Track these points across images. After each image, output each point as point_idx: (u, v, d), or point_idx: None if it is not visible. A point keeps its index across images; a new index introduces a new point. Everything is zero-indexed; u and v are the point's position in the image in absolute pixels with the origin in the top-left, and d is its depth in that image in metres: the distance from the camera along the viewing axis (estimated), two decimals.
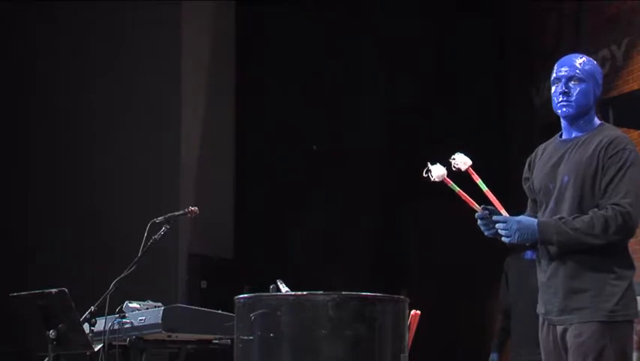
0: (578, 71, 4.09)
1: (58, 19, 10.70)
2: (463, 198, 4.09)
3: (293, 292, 4.17)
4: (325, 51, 11.03)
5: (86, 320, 5.14)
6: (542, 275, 4.05)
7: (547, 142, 4.30)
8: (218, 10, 10.76)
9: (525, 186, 4.32)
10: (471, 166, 4.14)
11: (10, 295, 5.26)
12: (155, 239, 5.30)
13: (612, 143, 3.97)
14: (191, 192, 10.15)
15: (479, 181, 4.11)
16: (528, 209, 4.33)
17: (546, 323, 4.07)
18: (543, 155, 4.23)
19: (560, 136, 4.20)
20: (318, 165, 11.04)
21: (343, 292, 3.81)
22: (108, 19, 10.57)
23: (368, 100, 11.47)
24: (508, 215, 4.09)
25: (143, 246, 5.27)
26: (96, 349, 5.24)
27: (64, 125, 10.56)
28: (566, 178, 4.00)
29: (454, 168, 4.14)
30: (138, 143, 10.34)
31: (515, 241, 4.00)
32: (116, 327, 5.28)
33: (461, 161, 4.11)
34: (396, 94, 11.59)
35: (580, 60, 4.14)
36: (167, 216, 5.44)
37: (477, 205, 4.08)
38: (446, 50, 11.61)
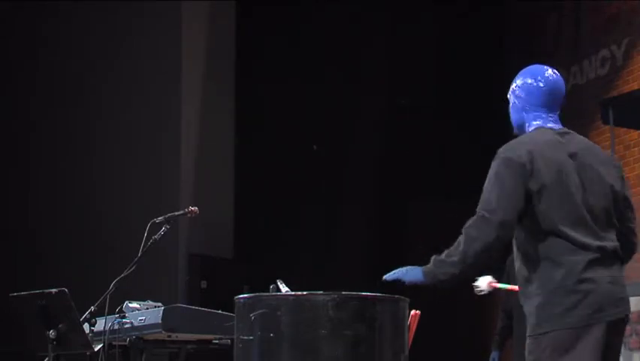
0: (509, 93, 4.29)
1: (58, 19, 10.70)
2: (511, 289, 4.26)
3: (293, 292, 4.17)
4: (325, 51, 11.03)
5: (86, 320, 5.14)
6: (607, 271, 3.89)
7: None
8: (218, 10, 10.76)
9: None
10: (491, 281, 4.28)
11: (10, 295, 5.26)
12: (155, 239, 5.30)
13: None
14: (191, 192, 10.16)
15: (501, 285, 4.29)
16: None
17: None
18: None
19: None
20: (318, 165, 11.04)
21: (343, 292, 3.81)
22: (108, 19, 10.57)
23: (368, 100, 11.47)
24: None
25: (143, 246, 5.27)
26: (96, 349, 5.24)
27: (64, 125, 10.56)
28: None
29: (477, 293, 4.28)
30: (138, 143, 10.34)
31: (401, 277, 4.02)
32: (116, 327, 5.28)
33: (483, 283, 4.26)
34: (396, 94, 11.59)
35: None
36: (167, 216, 5.43)
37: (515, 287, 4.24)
38: (446, 50, 11.61)
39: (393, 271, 4.04)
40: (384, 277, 4.05)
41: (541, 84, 4.12)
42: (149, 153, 10.30)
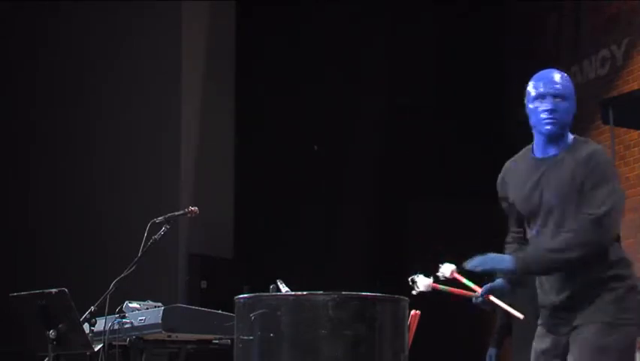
0: (562, 88, 4.10)
1: (58, 19, 10.70)
2: (457, 293, 4.12)
3: (293, 292, 4.17)
4: (325, 51, 11.03)
5: (86, 320, 5.14)
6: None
7: (514, 159, 4.28)
8: (218, 10, 10.75)
9: (504, 206, 4.29)
10: (454, 270, 4.16)
11: (10, 295, 5.26)
12: (155, 239, 5.30)
13: (590, 157, 3.97)
14: (191, 192, 10.16)
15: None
16: (510, 229, 4.32)
17: None
18: (516, 173, 4.21)
19: (532, 153, 4.18)
20: (318, 165, 11.04)
21: (343, 292, 3.81)
22: (108, 19, 10.57)
23: (368, 100, 11.47)
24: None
25: (143, 246, 5.27)
26: (96, 349, 5.25)
27: (64, 125, 10.56)
28: (549, 197, 4.01)
29: (442, 278, 4.17)
30: (138, 143, 10.34)
31: (491, 267, 4.01)
32: (116, 327, 5.28)
33: (446, 270, 4.13)
34: (396, 94, 11.59)
35: (561, 77, 4.15)
36: (167, 216, 5.44)
37: (471, 292, 4.11)
38: (446, 50, 11.61)
39: (477, 261, 4.02)
40: (468, 266, 4.02)
41: (575, 108, 4.17)
42: (149, 153, 10.30)
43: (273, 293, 4.46)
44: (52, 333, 4.99)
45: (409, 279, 4.15)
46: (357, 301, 3.84)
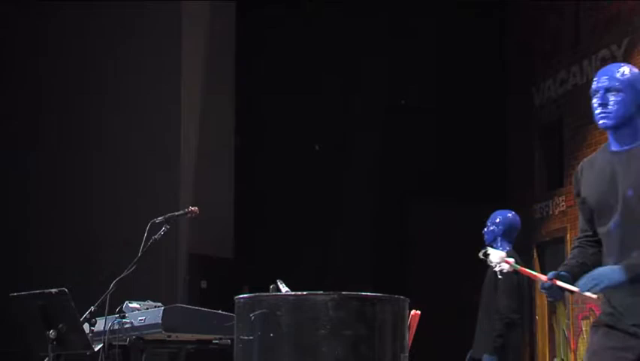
0: (615, 81, 4.01)
1: (58, 19, 10.70)
2: (526, 273, 4.05)
3: (293, 292, 4.17)
4: (325, 51, 11.03)
5: (86, 320, 5.14)
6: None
7: (591, 156, 4.18)
8: (219, 10, 10.76)
9: (580, 206, 4.15)
10: (504, 257, 4.06)
11: (10, 295, 5.26)
12: (155, 239, 5.30)
13: None
14: (191, 192, 10.16)
15: (514, 265, 4.05)
16: (580, 229, 4.21)
17: None
18: (592, 169, 4.09)
19: (608, 148, 4.07)
20: (317, 164, 11.04)
21: (343, 292, 3.81)
22: (108, 19, 10.57)
23: (368, 100, 11.48)
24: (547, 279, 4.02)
25: (143, 246, 5.28)
26: (96, 349, 5.24)
27: (64, 125, 10.55)
28: (630, 192, 3.88)
29: (498, 270, 4.06)
30: (138, 143, 10.34)
31: (608, 284, 3.83)
32: (116, 327, 5.28)
33: (497, 256, 4.05)
34: (396, 94, 11.59)
35: (619, 70, 4.05)
36: (167, 216, 5.44)
37: (542, 276, 4.03)
38: (446, 50, 11.62)
39: (590, 283, 3.85)
40: (583, 291, 3.89)
41: None
42: (149, 152, 10.30)
43: (273, 293, 4.46)
44: (52, 333, 4.99)
45: (481, 253, 4.07)
46: (357, 301, 3.84)
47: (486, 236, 7.00)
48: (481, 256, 4.03)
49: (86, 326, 5.13)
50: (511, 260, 4.03)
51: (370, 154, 11.48)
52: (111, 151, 10.40)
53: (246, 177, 10.80)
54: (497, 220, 6.99)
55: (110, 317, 5.31)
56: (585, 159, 4.19)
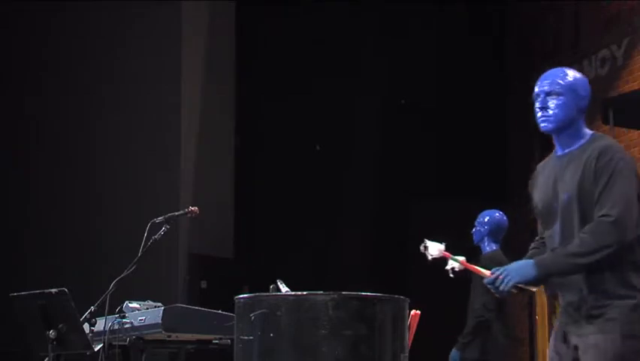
0: (556, 85, 4.04)
1: (58, 19, 10.70)
2: (469, 267, 4.05)
3: (293, 292, 4.17)
4: (325, 51, 11.03)
5: (86, 320, 5.14)
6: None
7: (545, 160, 4.22)
8: (219, 10, 10.76)
9: (534, 211, 4.21)
10: (443, 250, 4.06)
11: (10, 295, 5.26)
12: (155, 239, 5.30)
13: (601, 153, 3.88)
14: (191, 192, 10.16)
15: (452, 258, 4.05)
16: (539, 233, 4.24)
17: None
18: (543, 174, 4.15)
19: (556, 152, 4.12)
20: (318, 164, 11.04)
21: (343, 292, 3.81)
22: (108, 19, 10.57)
23: (368, 100, 11.47)
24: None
25: (143, 246, 5.28)
26: (96, 349, 5.25)
27: (64, 125, 10.56)
28: (565, 196, 3.93)
29: (430, 258, 4.05)
30: (138, 143, 10.34)
31: (519, 280, 3.89)
32: (116, 327, 5.29)
33: (435, 249, 4.05)
34: (396, 94, 11.59)
35: (561, 74, 4.08)
36: (167, 216, 5.44)
37: (484, 271, 4.04)
38: (446, 50, 11.61)
39: (503, 278, 3.92)
40: (494, 288, 3.95)
41: (583, 102, 4.08)
42: (149, 152, 10.30)
43: (273, 293, 4.46)
44: (52, 333, 5.00)
45: (421, 246, 4.08)
46: (357, 301, 3.84)
47: (474, 236, 7.01)
48: (422, 250, 4.05)
49: (86, 326, 5.13)
50: (451, 256, 4.05)
51: (370, 154, 11.48)
52: (111, 151, 10.40)
53: (246, 177, 10.80)
54: (484, 220, 6.99)
55: (110, 317, 5.31)
56: (540, 164, 4.23)
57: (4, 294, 5.38)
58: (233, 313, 4.02)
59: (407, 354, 4.00)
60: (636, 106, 9.01)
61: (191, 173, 10.29)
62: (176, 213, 5.57)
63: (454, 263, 4.03)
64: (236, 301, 3.94)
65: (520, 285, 3.93)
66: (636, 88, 9.36)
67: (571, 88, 4.04)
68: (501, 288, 3.93)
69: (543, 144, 11.42)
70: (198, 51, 10.56)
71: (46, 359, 5.08)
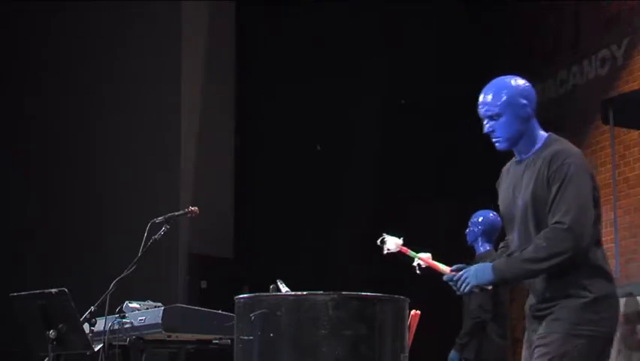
0: (493, 107, 4.07)
1: (58, 19, 10.70)
2: (427, 263, 4.07)
3: (293, 292, 4.17)
4: (325, 51, 11.03)
5: (86, 320, 5.14)
6: None
7: (508, 163, 4.23)
8: (218, 10, 10.76)
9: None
10: (401, 244, 4.10)
11: (10, 295, 5.26)
12: (155, 239, 5.30)
13: (553, 159, 3.89)
14: (191, 192, 10.16)
15: (411, 253, 4.07)
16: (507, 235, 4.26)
17: None
18: (506, 179, 4.17)
19: (515, 159, 4.15)
20: (318, 165, 11.04)
21: (343, 292, 3.81)
22: (108, 19, 10.58)
23: (368, 100, 11.47)
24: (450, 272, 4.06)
25: (143, 246, 5.27)
26: (96, 349, 5.24)
27: (65, 125, 10.56)
28: (521, 203, 3.95)
29: (386, 252, 4.08)
30: (138, 143, 10.34)
31: (476, 283, 3.93)
32: (116, 327, 5.28)
33: (392, 243, 4.07)
34: (396, 94, 11.58)
35: (493, 94, 4.12)
36: (167, 216, 5.44)
37: (443, 268, 4.07)
38: (446, 49, 11.61)
39: (462, 281, 3.97)
40: (458, 293, 3.99)
41: (525, 110, 4.07)
42: (149, 152, 10.30)
43: (273, 293, 4.46)
44: (52, 333, 4.99)
45: (379, 240, 4.10)
46: (357, 301, 3.84)
47: (468, 236, 7.01)
48: (378, 243, 4.07)
49: (86, 326, 5.13)
50: (409, 251, 4.07)
51: (370, 154, 11.48)
52: (111, 151, 10.40)
53: (246, 177, 10.80)
54: (478, 220, 6.99)
55: (110, 317, 5.31)
56: (504, 167, 4.24)
57: (4, 294, 5.37)
58: (233, 313, 4.02)
59: (407, 354, 4.00)
60: (636, 106, 9.00)
61: (191, 173, 10.29)
62: (176, 213, 5.57)
63: (420, 261, 4.08)
64: (236, 301, 3.94)
65: (479, 286, 3.96)
66: (636, 88, 9.35)
67: (508, 104, 4.06)
68: (461, 289, 3.99)
69: None
70: (198, 51, 10.56)
71: (46, 359, 5.08)
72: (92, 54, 10.57)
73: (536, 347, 3.87)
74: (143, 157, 10.29)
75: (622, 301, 7.27)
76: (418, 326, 4.59)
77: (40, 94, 10.66)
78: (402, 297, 4.03)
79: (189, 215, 5.58)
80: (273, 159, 10.92)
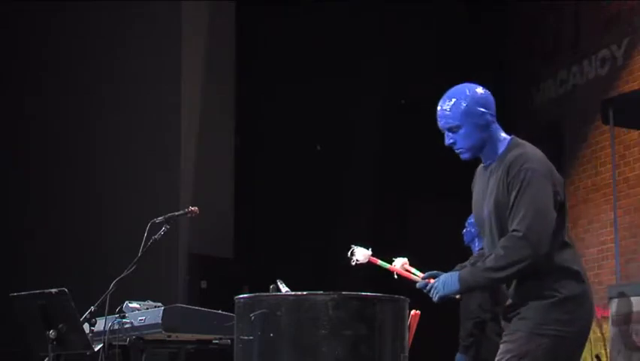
0: (451, 120, 4.09)
1: (58, 19, 10.70)
2: (398, 273, 4.08)
3: (293, 292, 4.17)
4: (325, 51, 11.03)
5: (86, 320, 5.14)
6: None
7: (480, 166, 4.23)
8: (218, 10, 10.76)
9: None
10: (370, 255, 4.11)
11: (10, 295, 5.26)
12: (155, 239, 5.30)
13: (512, 165, 3.88)
14: (191, 192, 10.16)
15: (381, 263, 4.08)
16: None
17: None
18: (478, 183, 4.18)
19: (483, 164, 4.15)
20: (318, 164, 11.04)
21: (343, 292, 3.82)
22: (108, 19, 10.58)
23: (368, 99, 11.47)
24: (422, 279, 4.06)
25: (143, 246, 5.27)
26: (96, 349, 5.24)
27: (64, 125, 10.56)
28: (486, 211, 3.96)
29: (354, 263, 4.08)
30: (138, 143, 10.35)
31: (444, 293, 3.92)
32: (116, 327, 5.28)
33: (361, 255, 4.08)
34: (396, 93, 11.59)
35: (448, 106, 4.11)
36: (167, 216, 5.44)
37: (415, 276, 4.07)
38: (446, 50, 11.61)
39: (433, 291, 3.95)
40: (435, 300, 3.98)
41: (484, 117, 4.05)
42: (149, 152, 10.31)
43: (273, 293, 4.46)
44: (52, 333, 4.99)
45: (349, 251, 4.08)
46: (357, 301, 3.85)
47: (465, 237, 7.00)
48: (348, 255, 4.08)
49: (86, 326, 5.13)
50: (379, 261, 4.08)
51: (370, 154, 11.48)
52: (111, 151, 10.40)
53: (246, 177, 10.79)
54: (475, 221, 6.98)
55: (110, 316, 5.31)
56: (478, 168, 4.23)
57: (4, 294, 5.37)
58: (233, 313, 4.02)
59: (407, 354, 4.00)
60: (636, 106, 9.00)
61: (191, 173, 10.30)
62: (176, 213, 5.57)
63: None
64: (236, 301, 3.94)
65: (447, 296, 3.95)
66: (636, 88, 9.35)
67: (465, 115, 4.06)
68: (432, 298, 3.97)
69: (543, 144, 11.45)
70: (198, 51, 10.56)
71: (46, 359, 5.08)
72: (92, 54, 10.57)
73: (502, 343, 3.90)
74: (143, 157, 10.29)
75: (622, 301, 7.27)
76: (418, 326, 4.59)
77: (40, 94, 10.67)
78: (402, 297, 4.03)
79: (189, 215, 5.58)
80: (273, 159, 10.92)
